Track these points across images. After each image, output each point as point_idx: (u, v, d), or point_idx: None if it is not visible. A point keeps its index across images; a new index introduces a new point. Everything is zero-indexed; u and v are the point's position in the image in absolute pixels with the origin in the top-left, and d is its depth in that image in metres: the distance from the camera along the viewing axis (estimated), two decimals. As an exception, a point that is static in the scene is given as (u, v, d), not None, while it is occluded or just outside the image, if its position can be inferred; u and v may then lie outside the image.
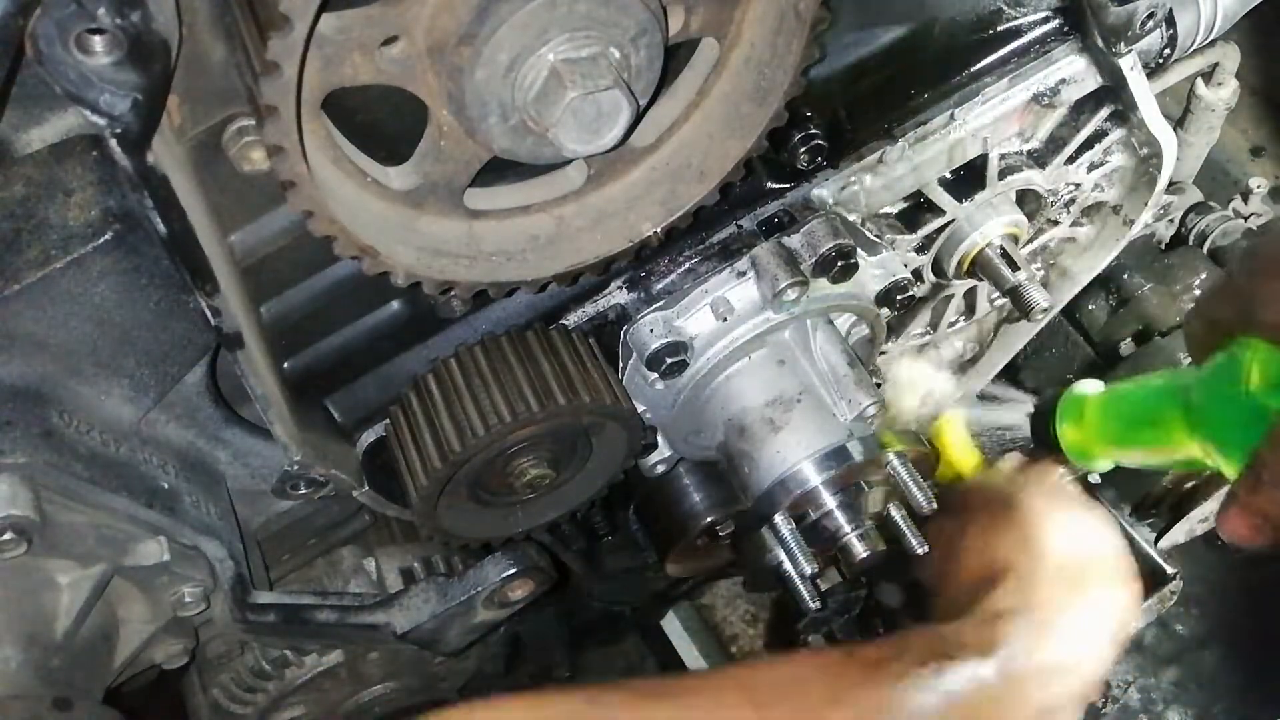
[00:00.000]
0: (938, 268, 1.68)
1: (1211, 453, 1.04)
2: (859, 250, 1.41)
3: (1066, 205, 1.73)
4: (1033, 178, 1.60)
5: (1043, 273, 1.91)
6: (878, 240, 1.46)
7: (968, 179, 1.58)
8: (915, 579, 1.42)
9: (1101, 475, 2.71)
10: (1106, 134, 1.61)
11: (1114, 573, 1.22)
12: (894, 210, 1.59)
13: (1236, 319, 0.96)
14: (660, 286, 1.41)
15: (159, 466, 1.27)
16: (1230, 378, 0.98)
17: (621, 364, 1.41)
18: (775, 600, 3.08)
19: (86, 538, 1.18)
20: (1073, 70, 1.48)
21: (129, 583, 1.28)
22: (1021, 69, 1.47)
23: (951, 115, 1.46)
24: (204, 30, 0.97)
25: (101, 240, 1.07)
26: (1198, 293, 2.25)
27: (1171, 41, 1.56)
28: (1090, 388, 1.32)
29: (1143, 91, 1.51)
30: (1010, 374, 2.38)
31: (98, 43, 0.84)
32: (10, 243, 1.05)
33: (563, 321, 1.41)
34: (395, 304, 1.33)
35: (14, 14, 0.81)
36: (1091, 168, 1.66)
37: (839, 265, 1.39)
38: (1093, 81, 1.51)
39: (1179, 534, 2.37)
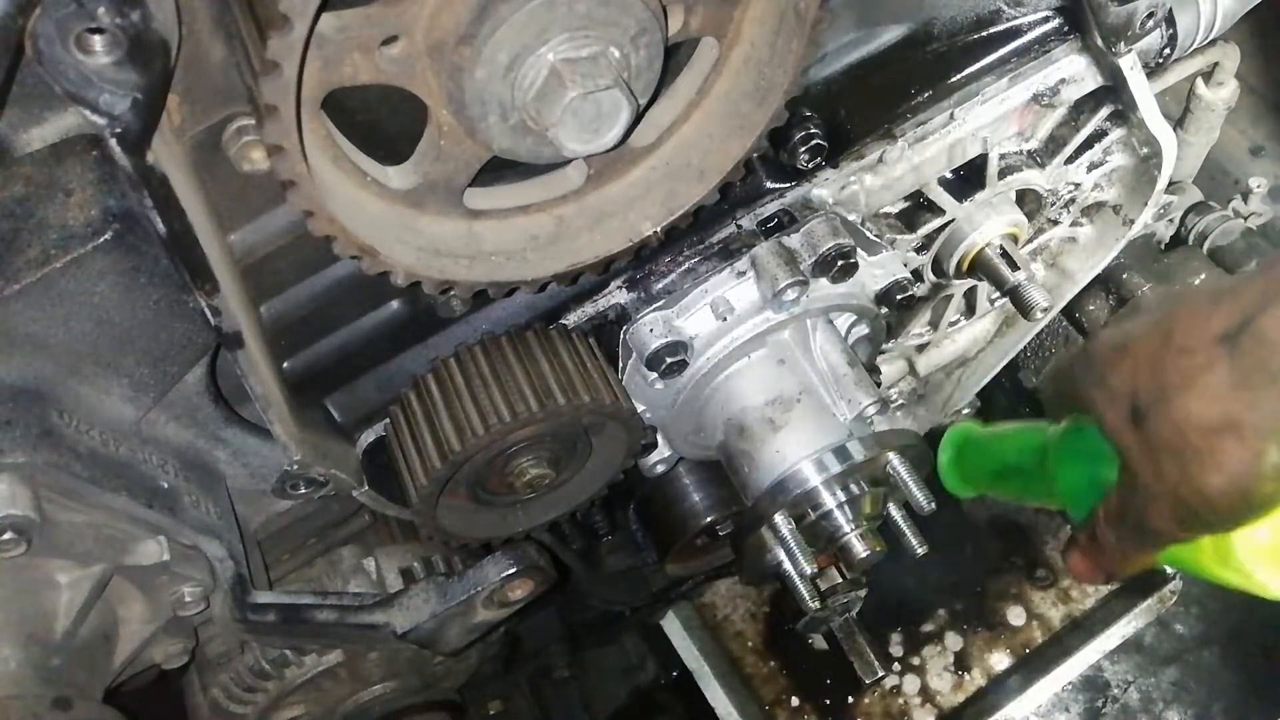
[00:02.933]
0: (938, 267, 1.68)
1: (1063, 503, 1.18)
2: (859, 250, 1.41)
3: (1066, 205, 1.73)
4: (1032, 178, 1.60)
5: (1043, 273, 1.91)
6: (878, 240, 1.46)
7: (968, 179, 1.58)
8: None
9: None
10: (1106, 134, 1.61)
11: None
12: (894, 210, 1.59)
13: (1078, 399, 1.05)
14: (660, 286, 1.41)
15: (159, 466, 1.27)
16: (1074, 448, 1.12)
17: (621, 364, 1.41)
18: (774, 599, 3.09)
19: (86, 537, 1.18)
20: (1073, 70, 1.48)
21: (129, 582, 1.28)
22: (1021, 69, 1.47)
23: (951, 115, 1.46)
24: (204, 30, 0.98)
25: (101, 240, 1.07)
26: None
27: (1171, 41, 1.55)
28: (967, 432, 1.39)
29: (1143, 91, 1.51)
30: (1010, 374, 2.38)
31: (98, 42, 0.84)
32: (10, 242, 1.05)
33: (563, 321, 1.41)
34: (395, 304, 1.33)
35: (14, 14, 0.81)
36: (1091, 167, 1.66)
37: (839, 265, 1.39)
38: (1093, 81, 1.51)
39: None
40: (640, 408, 1.43)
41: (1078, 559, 1.12)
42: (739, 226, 1.43)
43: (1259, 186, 2.33)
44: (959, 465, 1.37)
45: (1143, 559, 1.05)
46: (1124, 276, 2.30)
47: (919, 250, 1.63)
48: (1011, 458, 1.28)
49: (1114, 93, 1.54)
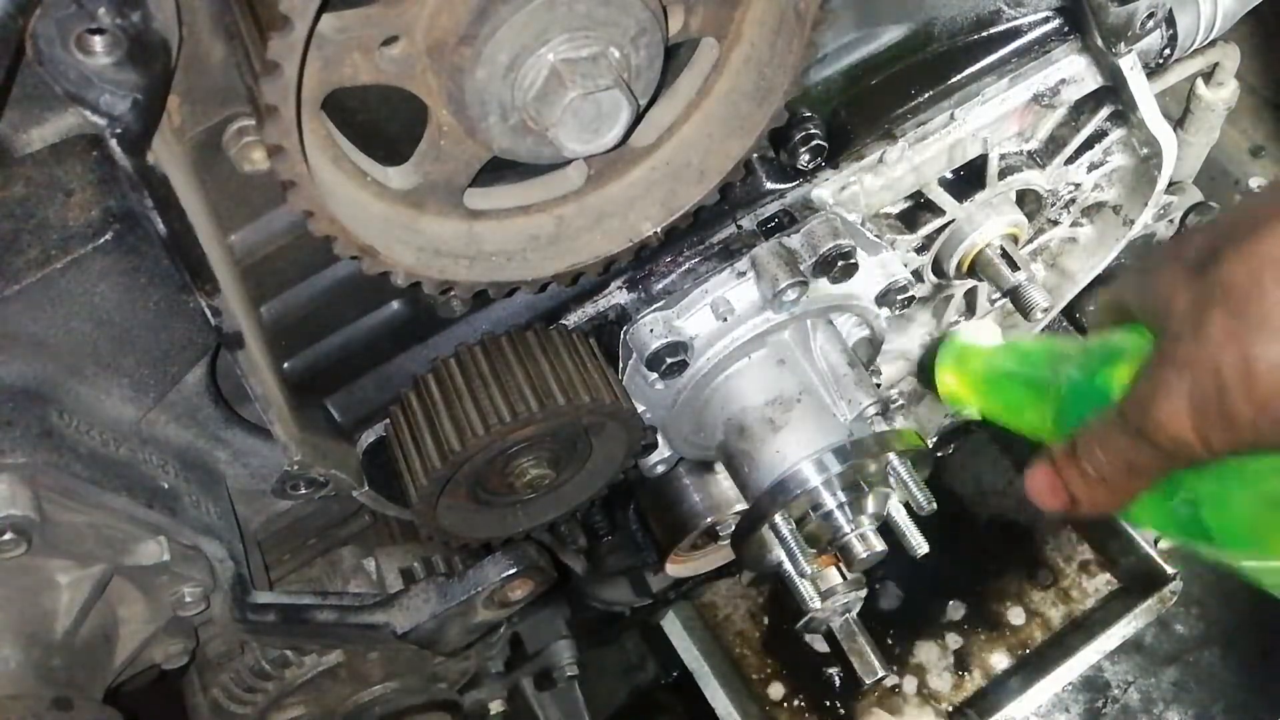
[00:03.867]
0: (938, 268, 1.68)
1: (1055, 417, 1.06)
2: (859, 250, 1.41)
3: (1067, 205, 1.73)
4: (1033, 178, 1.60)
5: (1043, 273, 1.91)
6: (878, 240, 1.46)
7: (968, 179, 1.58)
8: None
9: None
10: (1106, 134, 1.61)
11: None
12: (894, 210, 1.59)
13: (1132, 302, 0.94)
14: (660, 286, 1.41)
15: (159, 466, 1.27)
16: (1099, 380, 0.99)
17: (621, 364, 1.41)
18: (774, 599, 3.09)
19: (86, 538, 1.18)
20: (1073, 70, 1.48)
21: (129, 583, 1.28)
22: (1021, 69, 1.47)
23: (951, 115, 1.46)
24: (204, 30, 0.98)
25: (101, 240, 1.07)
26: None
27: (1171, 41, 1.55)
28: (975, 336, 1.32)
29: (1143, 91, 1.51)
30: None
31: (98, 43, 0.84)
32: (10, 243, 1.05)
33: (563, 321, 1.41)
34: (395, 304, 1.33)
35: (14, 14, 0.81)
36: (1091, 168, 1.66)
37: (839, 265, 1.39)
38: (1093, 81, 1.51)
39: (1179, 534, 2.37)
40: (640, 408, 1.43)
41: (1042, 475, 0.99)
42: (739, 227, 1.43)
43: (1259, 186, 2.33)
44: (958, 368, 1.30)
45: (1123, 486, 0.92)
46: (1124, 277, 2.30)
47: (919, 250, 1.63)
48: (1017, 364, 1.21)
49: (1114, 93, 1.54)
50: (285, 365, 1.30)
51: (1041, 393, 1.10)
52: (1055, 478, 0.98)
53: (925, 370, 1.40)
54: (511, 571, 1.51)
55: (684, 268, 1.41)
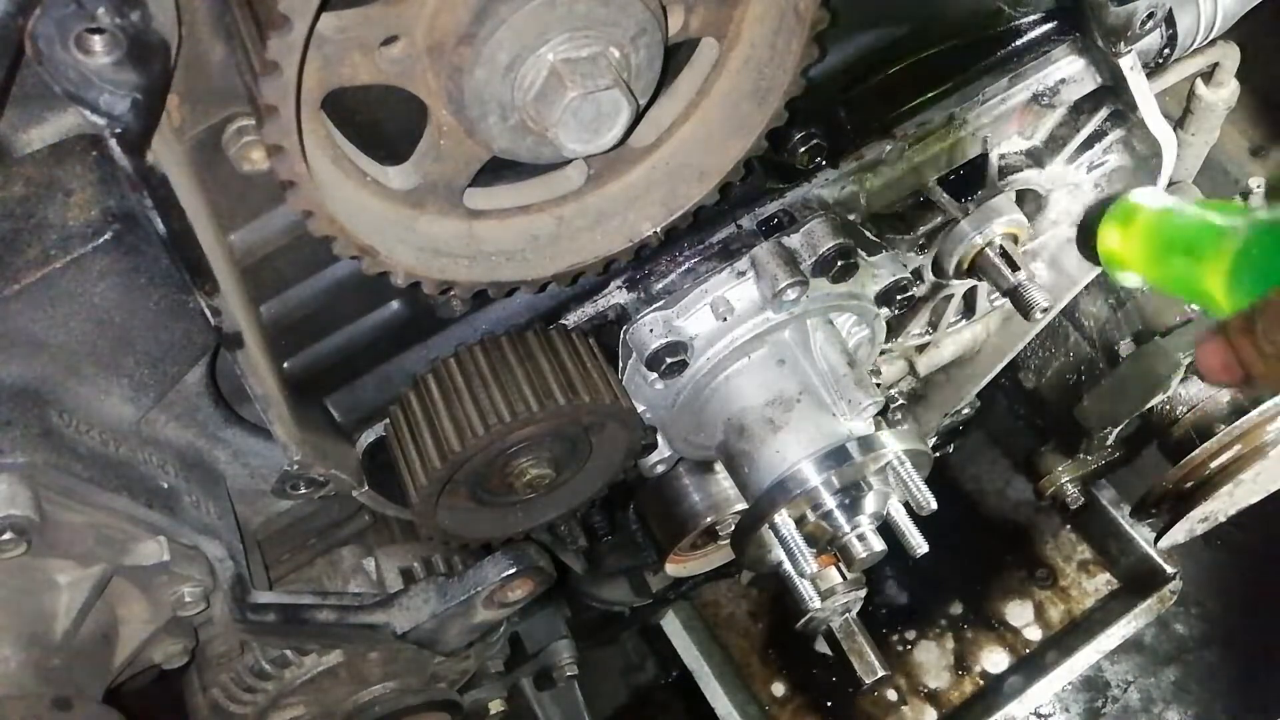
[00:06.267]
0: (938, 267, 1.68)
1: (1228, 288, 1.01)
2: (859, 250, 1.41)
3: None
4: (1033, 177, 1.60)
5: (1043, 273, 1.91)
6: (878, 240, 1.46)
7: (968, 179, 1.58)
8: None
9: (1101, 475, 2.73)
10: (1106, 134, 1.61)
11: None
12: (894, 210, 1.59)
13: None
14: (660, 286, 1.41)
15: (159, 466, 1.27)
16: (1275, 246, 0.96)
17: (621, 364, 1.41)
18: (774, 599, 3.09)
19: (86, 538, 1.18)
20: (1072, 70, 1.48)
21: (129, 583, 1.28)
22: (1021, 69, 1.47)
23: (951, 115, 1.46)
24: (204, 30, 0.98)
25: (101, 240, 1.07)
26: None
27: (1171, 41, 1.56)
28: (1147, 199, 1.26)
29: (1142, 91, 1.51)
30: (1010, 374, 2.38)
31: (97, 42, 0.84)
32: (10, 243, 1.05)
33: (562, 321, 1.41)
34: (395, 304, 1.33)
35: (14, 14, 0.81)
36: (1091, 168, 1.66)
37: (839, 265, 1.39)
38: (1092, 81, 1.51)
39: (1179, 534, 2.37)
40: (640, 408, 1.43)
41: (1214, 349, 0.95)
42: (739, 226, 1.43)
43: (1259, 186, 2.33)
44: (1124, 238, 1.23)
45: None
46: (1124, 276, 2.30)
47: (919, 250, 1.63)
48: (1194, 237, 1.14)
49: (1114, 93, 1.54)
50: (285, 365, 1.30)
51: (1212, 262, 1.04)
52: (1228, 352, 0.95)
53: (1085, 233, 1.33)
54: (511, 571, 1.51)
55: (684, 267, 1.41)
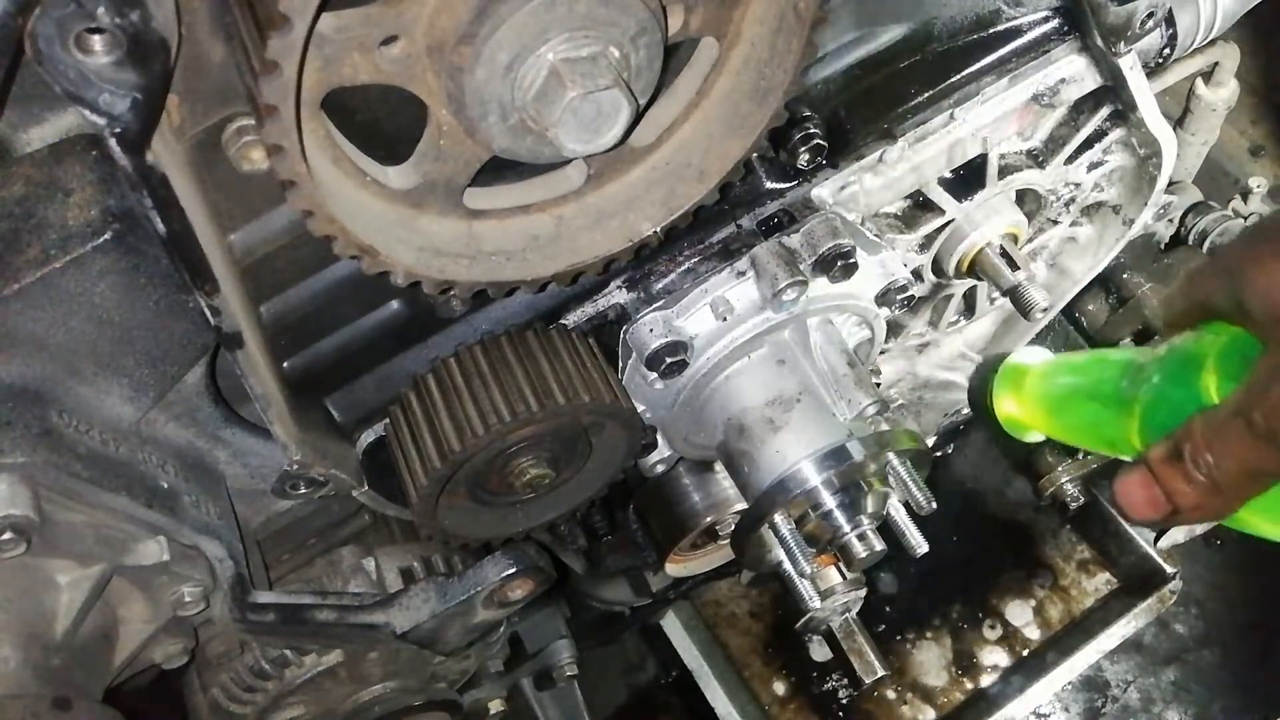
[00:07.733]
0: (938, 267, 1.68)
1: (1141, 427, 1.01)
2: (859, 250, 1.41)
3: (1066, 205, 1.73)
4: (1032, 177, 1.60)
5: (1043, 273, 1.91)
6: (878, 240, 1.46)
7: (968, 179, 1.58)
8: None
9: (1101, 475, 2.72)
10: (1106, 134, 1.61)
11: None
12: (894, 210, 1.59)
13: (1220, 299, 0.90)
14: (660, 286, 1.41)
15: (159, 466, 1.27)
16: (1185, 378, 0.95)
17: (621, 364, 1.41)
18: (774, 599, 3.09)
19: (86, 538, 1.18)
20: (1072, 70, 1.48)
21: (129, 583, 1.28)
22: (1021, 68, 1.47)
23: (951, 115, 1.46)
24: (203, 30, 0.97)
25: (101, 240, 1.07)
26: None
27: (1171, 41, 1.56)
28: (1028, 357, 1.28)
29: (1142, 91, 1.51)
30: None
31: (97, 42, 0.84)
32: (10, 242, 1.05)
33: (562, 321, 1.41)
34: (395, 304, 1.33)
35: (13, 13, 0.81)
36: (1091, 167, 1.66)
37: (839, 265, 1.39)
38: (1092, 81, 1.51)
39: (1179, 534, 2.38)
40: (640, 407, 1.43)
41: (1137, 484, 0.92)
42: (739, 226, 1.43)
43: (1259, 186, 2.34)
44: (1018, 392, 1.24)
45: (1238, 490, 0.86)
46: (1124, 276, 2.30)
47: (919, 250, 1.63)
48: (1084, 379, 1.15)
49: (1114, 93, 1.54)
50: (285, 365, 1.30)
51: (1119, 405, 1.03)
52: (1152, 486, 0.91)
53: (975, 401, 1.35)
54: (511, 571, 1.51)
55: (684, 267, 1.41)
